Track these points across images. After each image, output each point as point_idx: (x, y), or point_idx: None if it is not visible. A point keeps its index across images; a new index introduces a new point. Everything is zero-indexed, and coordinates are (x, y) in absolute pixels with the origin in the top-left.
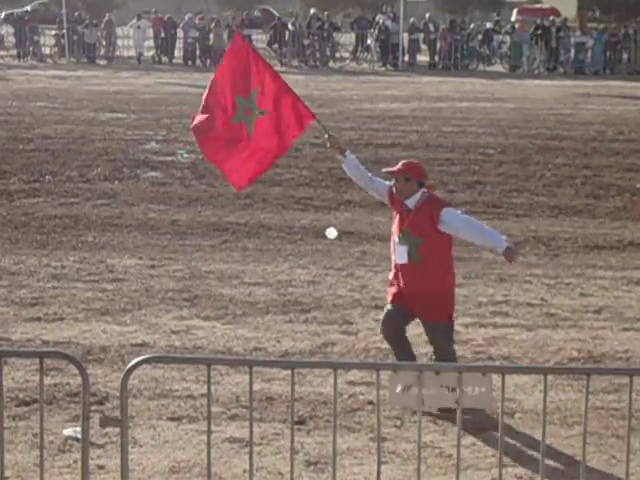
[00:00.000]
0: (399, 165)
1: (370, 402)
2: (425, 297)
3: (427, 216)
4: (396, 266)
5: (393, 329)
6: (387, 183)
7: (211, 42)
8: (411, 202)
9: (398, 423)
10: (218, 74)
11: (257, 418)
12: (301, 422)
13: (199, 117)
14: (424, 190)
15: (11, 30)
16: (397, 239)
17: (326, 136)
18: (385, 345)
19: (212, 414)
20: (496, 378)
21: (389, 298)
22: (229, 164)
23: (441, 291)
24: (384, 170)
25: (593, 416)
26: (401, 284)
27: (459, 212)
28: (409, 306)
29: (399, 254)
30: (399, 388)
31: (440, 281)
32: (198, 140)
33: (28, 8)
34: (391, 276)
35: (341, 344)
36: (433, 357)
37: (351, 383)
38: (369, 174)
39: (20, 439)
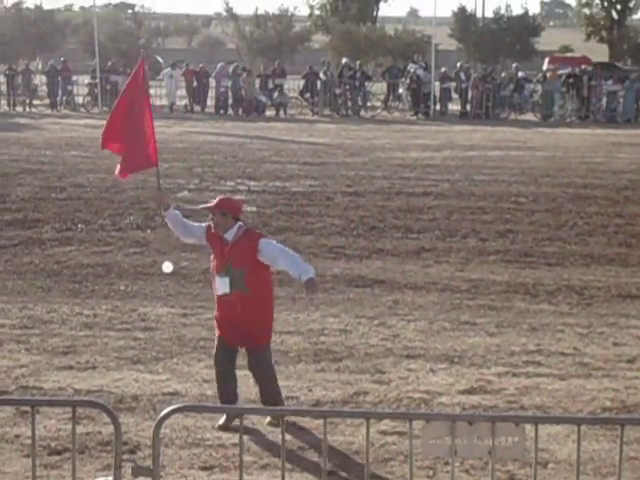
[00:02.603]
0: (215, 200)
1: (402, 452)
2: (253, 325)
3: (247, 247)
4: (219, 299)
5: (225, 364)
6: (203, 225)
7: (243, 91)
8: (229, 235)
9: (430, 473)
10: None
11: (289, 468)
12: (333, 472)
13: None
14: (240, 224)
15: (44, 79)
16: (218, 273)
17: (159, 184)
18: (417, 395)
19: (244, 463)
20: (529, 428)
21: (217, 332)
22: (131, 149)
23: (266, 318)
24: (201, 206)
25: (627, 466)
26: (225, 316)
27: (274, 242)
28: (234, 338)
29: (220, 286)
30: (432, 438)
31: (266, 309)
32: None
33: (62, 58)
34: (215, 311)
35: (373, 393)
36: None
37: (383, 433)
38: (185, 222)
39: None
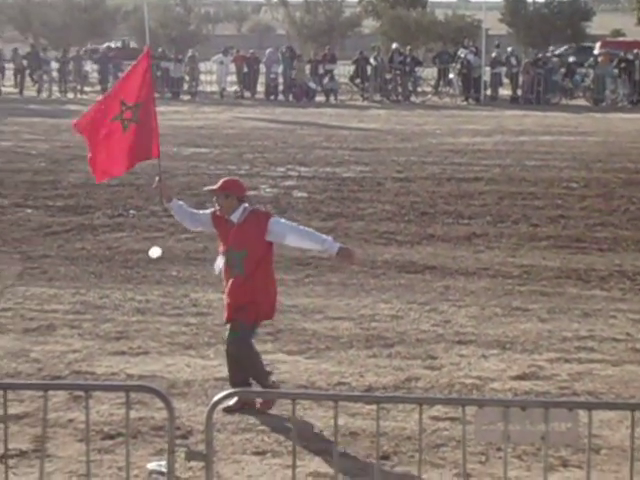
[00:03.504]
0: (219, 183)
1: (454, 438)
2: (243, 304)
3: (254, 227)
4: (227, 283)
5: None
6: (208, 211)
7: (293, 77)
8: (235, 216)
9: (483, 459)
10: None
11: (341, 453)
12: (385, 457)
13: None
14: (245, 205)
15: (95, 67)
16: (225, 256)
17: (157, 179)
18: (469, 380)
19: (296, 448)
20: (582, 414)
21: (226, 318)
22: (98, 154)
23: (259, 300)
24: (205, 188)
25: None
26: (229, 299)
27: (283, 220)
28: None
29: (227, 271)
30: (484, 424)
31: (261, 291)
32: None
33: (112, 44)
34: (224, 295)
35: (425, 379)
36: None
37: (435, 418)
38: (190, 212)
39: (105, 472)
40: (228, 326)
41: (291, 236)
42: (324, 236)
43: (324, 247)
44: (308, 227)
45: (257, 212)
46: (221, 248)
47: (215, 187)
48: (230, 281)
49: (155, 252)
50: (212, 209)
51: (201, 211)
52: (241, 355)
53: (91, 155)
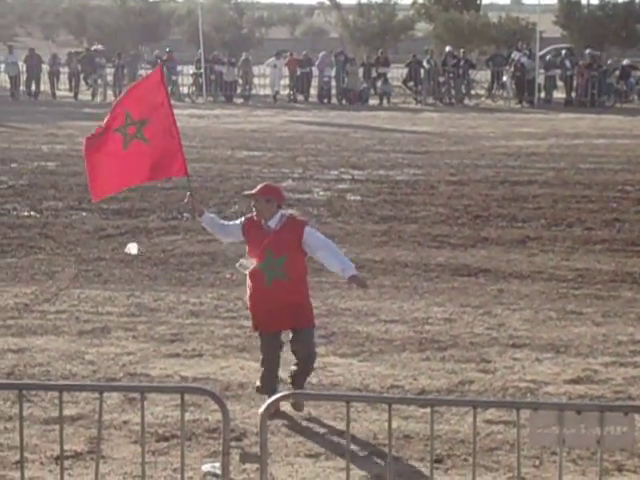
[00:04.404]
0: (259, 187)
1: (508, 441)
2: (293, 307)
3: (291, 234)
4: (255, 288)
5: (276, 357)
6: (238, 222)
7: (346, 81)
8: (273, 222)
9: (537, 463)
10: (123, 95)
11: (395, 456)
12: (439, 460)
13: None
14: (282, 211)
15: (150, 70)
16: (260, 264)
17: (188, 193)
18: (523, 384)
19: (350, 451)
20: (638, 418)
21: (254, 326)
22: (96, 171)
23: (304, 301)
24: (245, 193)
25: None
26: (263, 305)
27: (318, 232)
28: (275, 323)
29: (257, 276)
30: (539, 427)
31: (304, 292)
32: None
33: (167, 48)
34: (249, 302)
35: (478, 382)
36: (294, 369)
37: (489, 422)
38: (221, 224)
39: (160, 474)
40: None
41: (322, 251)
42: (348, 261)
43: (342, 267)
44: (362, 230)
45: (294, 219)
46: (252, 254)
47: (256, 191)
48: (269, 287)
49: (132, 248)
50: (243, 218)
51: (231, 222)
52: (313, 360)
53: (89, 170)
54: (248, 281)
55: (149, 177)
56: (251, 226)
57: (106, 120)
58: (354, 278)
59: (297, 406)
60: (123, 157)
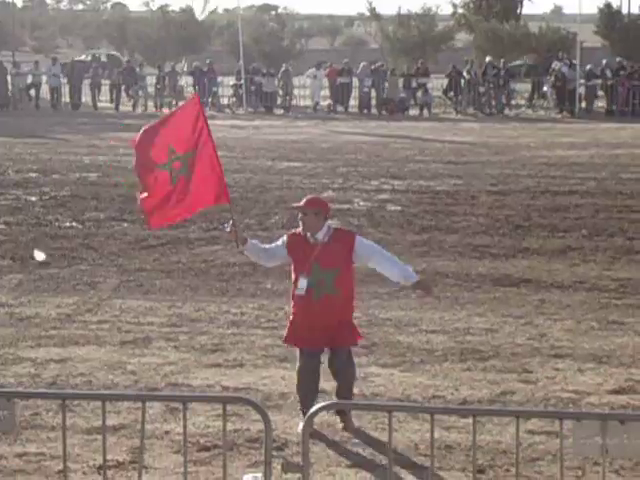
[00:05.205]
0: (306, 200)
1: (550, 452)
2: (341, 325)
3: (341, 246)
4: (300, 302)
5: (316, 376)
6: (280, 242)
7: (386, 91)
8: (320, 235)
9: (579, 473)
10: (159, 125)
11: (437, 466)
12: (481, 471)
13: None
14: (329, 223)
15: (190, 81)
16: (304, 278)
17: (230, 222)
18: (566, 394)
19: (392, 462)
20: None
21: (301, 343)
22: (151, 203)
23: (350, 318)
24: (293, 205)
25: None
26: (308, 320)
27: (368, 241)
28: (318, 341)
29: (306, 290)
30: (582, 437)
31: (350, 308)
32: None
33: (208, 60)
34: (292, 316)
35: (520, 393)
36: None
37: (531, 432)
38: (264, 248)
39: None
40: (301, 354)
41: (376, 258)
42: (408, 267)
43: (404, 274)
44: (403, 241)
45: (341, 231)
46: (299, 269)
47: (304, 204)
48: (316, 301)
49: (38, 255)
50: (285, 237)
51: (273, 244)
52: (354, 376)
53: (146, 196)
54: (293, 293)
55: (194, 209)
56: (295, 242)
57: (151, 153)
58: (420, 284)
59: (347, 426)
60: (172, 192)
